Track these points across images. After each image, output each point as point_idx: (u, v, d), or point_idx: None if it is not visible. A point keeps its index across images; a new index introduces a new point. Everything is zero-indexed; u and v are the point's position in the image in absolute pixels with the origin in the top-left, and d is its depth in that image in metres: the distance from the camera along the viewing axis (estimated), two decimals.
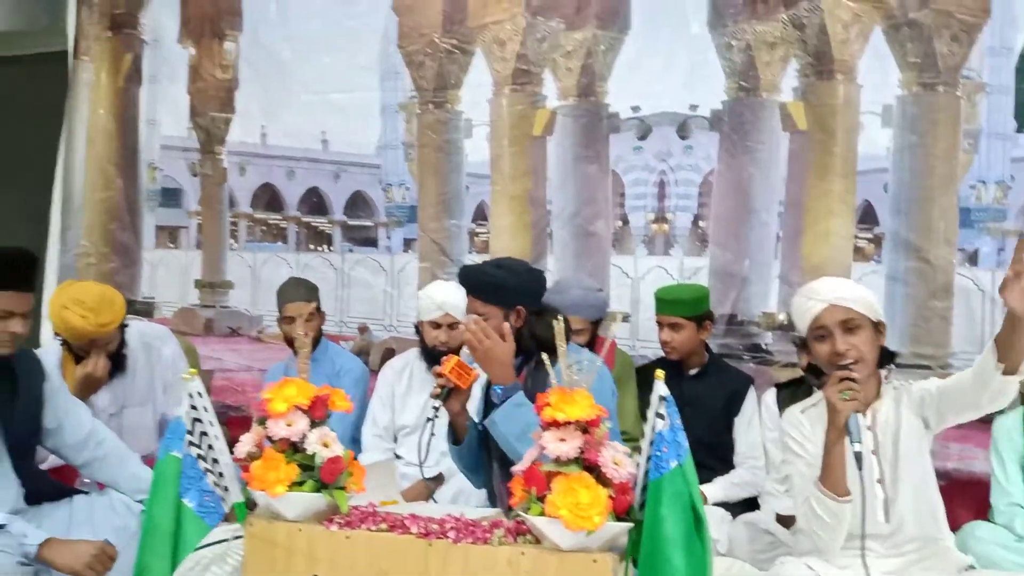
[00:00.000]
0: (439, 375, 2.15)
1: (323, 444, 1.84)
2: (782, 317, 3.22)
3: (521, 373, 2.18)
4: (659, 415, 1.64)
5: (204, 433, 1.85)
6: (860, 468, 1.81)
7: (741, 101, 3.25)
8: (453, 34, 3.66)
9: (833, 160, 3.13)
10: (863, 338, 1.94)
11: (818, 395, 2.06)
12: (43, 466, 2.65)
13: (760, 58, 3.21)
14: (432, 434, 3.05)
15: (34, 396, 2.34)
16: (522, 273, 2.29)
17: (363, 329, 3.94)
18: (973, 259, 3.00)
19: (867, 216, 3.16)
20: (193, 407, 1.84)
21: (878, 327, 1.98)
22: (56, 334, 2.85)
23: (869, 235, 3.16)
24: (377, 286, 3.93)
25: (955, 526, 2.14)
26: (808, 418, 2.04)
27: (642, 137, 3.39)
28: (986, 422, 2.44)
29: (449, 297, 2.95)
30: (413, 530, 1.76)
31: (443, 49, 3.68)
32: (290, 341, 3.33)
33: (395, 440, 3.16)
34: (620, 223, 3.48)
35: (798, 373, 2.94)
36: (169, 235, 4.43)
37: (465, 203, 3.77)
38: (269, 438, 1.83)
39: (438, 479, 2.90)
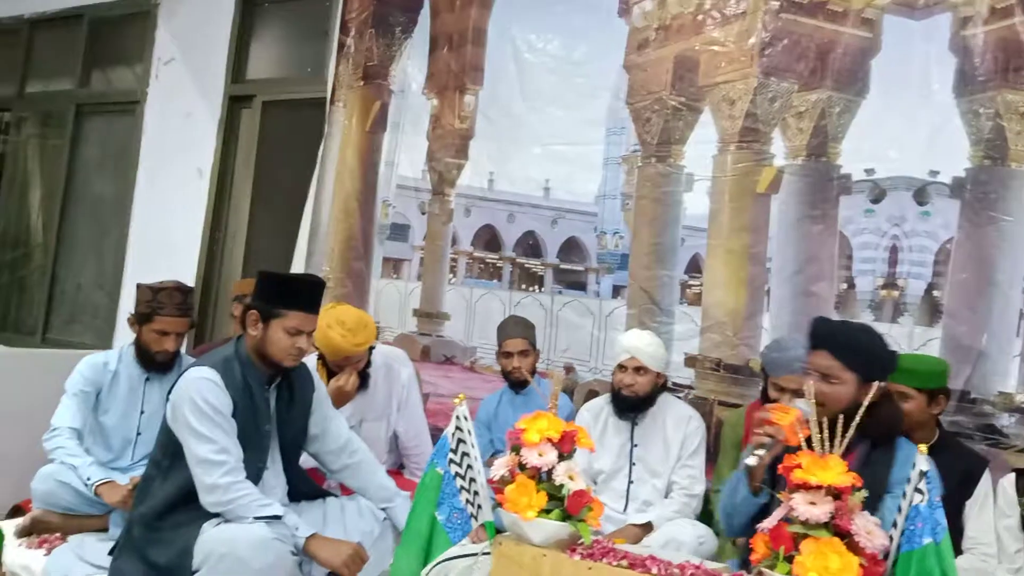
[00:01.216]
0: (768, 423, 2.06)
1: (569, 477, 1.98)
2: (1021, 399, 3.03)
3: (856, 448, 2.06)
4: (918, 490, 1.64)
5: (466, 454, 2.03)
6: None
7: (987, 170, 3.12)
8: (681, 92, 3.78)
9: None
10: None
11: None
12: None
13: (1011, 127, 3.08)
14: (631, 481, 3.15)
15: (305, 404, 2.66)
16: (886, 348, 2.18)
17: (569, 369, 4.09)
18: None
19: None
20: (459, 428, 2.03)
21: None
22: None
23: None
24: (584, 328, 4.07)
25: None
26: None
27: (875, 200, 3.33)
28: None
29: (636, 342, 3.06)
30: (654, 571, 1.85)
31: (670, 106, 3.80)
32: (506, 374, 3.53)
33: (595, 483, 3.23)
34: (845, 286, 3.41)
35: None
36: (393, 266, 4.82)
37: (679, 254, 3.84)
38: (521, 465, 1.99)
39: (647, 527, 2.95)
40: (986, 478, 2.70)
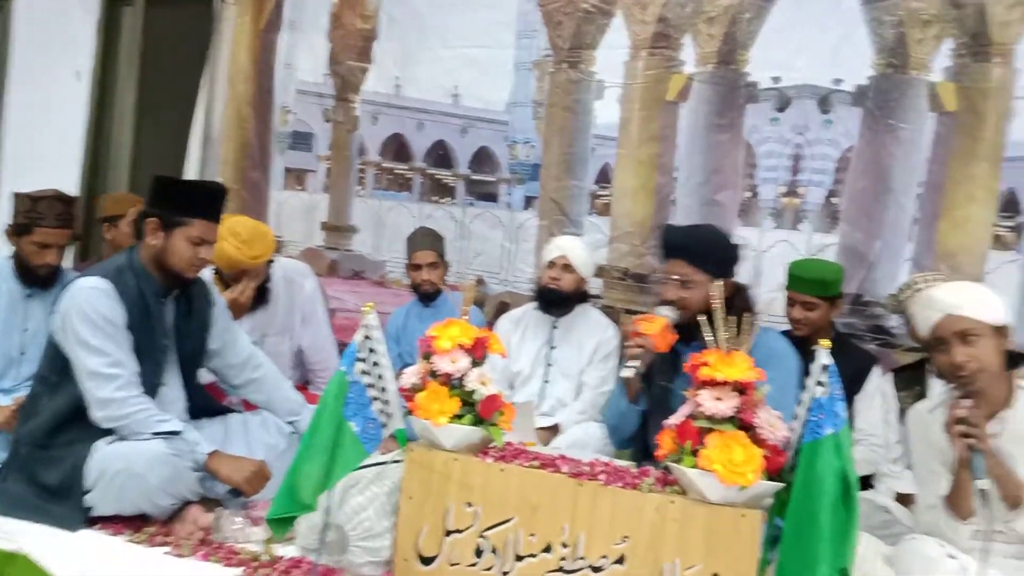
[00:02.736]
0: (637, 335, 2.15)
1: (481, 382, 1.96)
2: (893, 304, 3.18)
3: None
4: (820, 383, 1.69)
5: (376, 363, 1.97)
6: (985, 505, 1.78)
7: (888, 78, 3.18)
8: None
9: (980, 145, 3.05)
10: (983, 347, 1.88)
11: (946, 392, 2.04)
12: None
13: (912, 35, 3.13)
14: (546, 381, 3.22)
15: (203, 318, 2.53)
16: (733, 244, 2.28)
17: (479, 281, 4.06)
18: None
19: (1010, 205, 3.07)
20: (368, 337, 1.96)
21: (1001, 331, 1.91)
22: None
23: (1011, 224, 3.07)
24: (495, 240, 4.03)
25: None
26: (935, 418, 2.01)
27: (780, 109, 3.36)
28: None
29: (568, 242, 3.21)
30: (564, 470, 1.87)
31: (582, 9, 3.70)
32: (415, 287, 3.47)
33: (511, 388, 3.28)
34: (749, 194, 3.47)
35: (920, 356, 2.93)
36: (297, 177, 4.62)
37: (589, 164, 3.82)
38: (433, 373, 1.96)
39: (554, 429, 3.01)
40: (875, 374, 2.86)
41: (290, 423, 2.63)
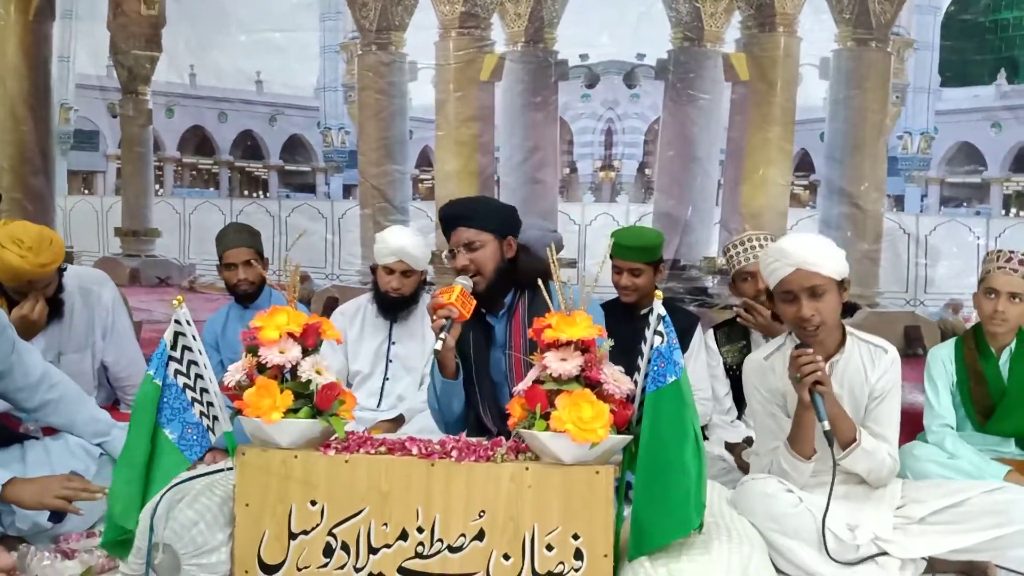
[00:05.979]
0: (440, 307, 2.08)
1: (316, 371, 1.82)
2: (722, 261, 3.37)
3: (517, 305, 2.24)
4: (658, 333, 1.71)
5: (193, 362, 1.79)
6: (831, 445, 1.88)
7: (686, 51, 3.34)
8: None
9: (772, 110, 3.28)
10: (828, 302, 1.97)
11: (780, 339, 2.14)
12: None
13: (705, 9, 3.31)
14: (386, 378, 3.09)
15: None
16: (504, 204, 2.35)
17: (303, 278, 3.86)
18: (899, 204, 3.23)
19: (803, 164, 3.33)
20: (180, 334, 1.77)
21: (842, 284, 2.01)
22: None
23: (805, 182, 3.33)
24: (317, 233, 3.85)
25: None
26: (771, 365, 2.09)
27: (590, 85, 3.44)
28: (919, 357, 2.67)
29: (404, 243, 2.88)
30: (414, 451, 1.78)
31: None
32: (231, 288, 3.24)
33: (348, 386, 3.13)
34: (567, 171, 3.53)
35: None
36: (83, 180, 4.19)
37: (408, 148, 3.73)
38: (260, 367, 1.80)
39: (399, 420, 2.91)
40: (698, 333, 2.99)
41: (98, 445, 2.35)
